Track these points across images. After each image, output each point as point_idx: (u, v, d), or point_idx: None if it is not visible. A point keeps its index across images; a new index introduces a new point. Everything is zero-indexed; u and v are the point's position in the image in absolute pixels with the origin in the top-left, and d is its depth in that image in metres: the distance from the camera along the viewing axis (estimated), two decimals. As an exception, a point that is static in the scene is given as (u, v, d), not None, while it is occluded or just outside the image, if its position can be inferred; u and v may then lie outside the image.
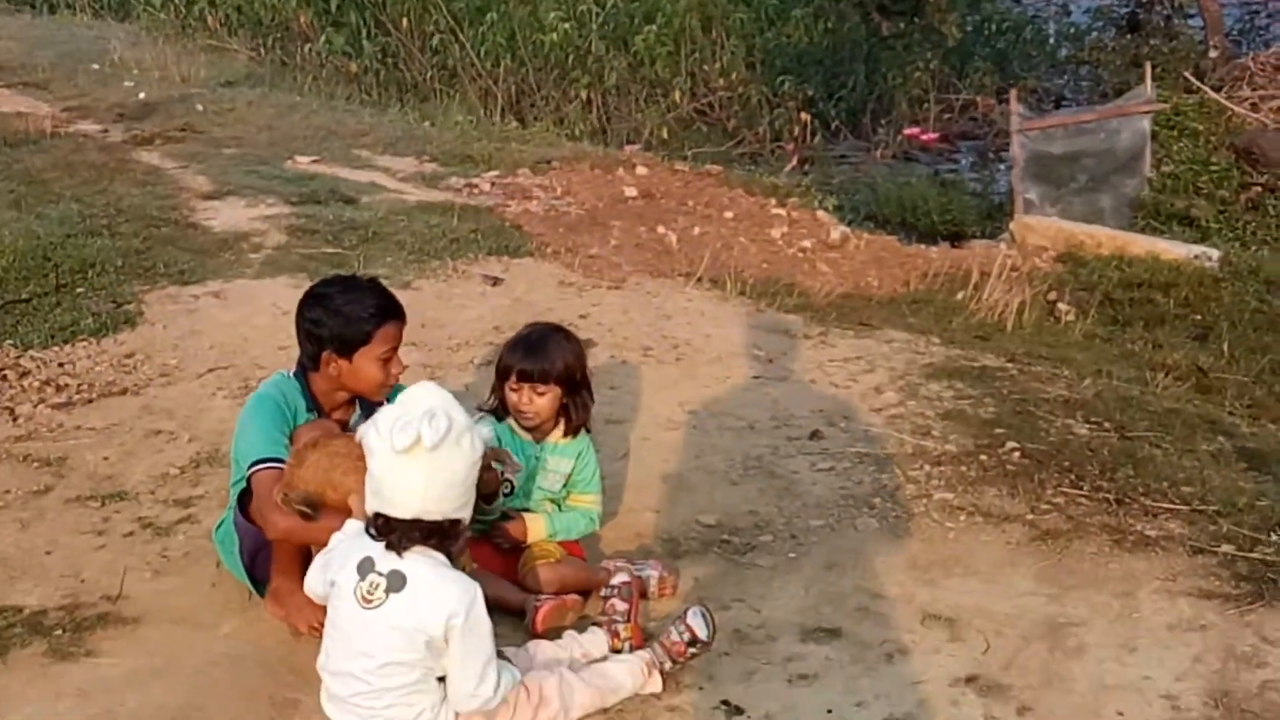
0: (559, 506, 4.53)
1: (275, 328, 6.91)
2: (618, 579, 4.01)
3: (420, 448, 3.26)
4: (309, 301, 4.10)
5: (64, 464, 5.42)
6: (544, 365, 4.34)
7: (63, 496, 5.12)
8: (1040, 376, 6.80)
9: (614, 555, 4.67)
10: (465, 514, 3.42)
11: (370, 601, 3.34)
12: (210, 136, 12.23)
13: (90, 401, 6.15)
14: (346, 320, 4.01)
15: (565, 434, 4.46)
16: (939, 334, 7.63)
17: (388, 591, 3.34)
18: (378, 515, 3.36)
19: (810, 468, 5.47)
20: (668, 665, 3.86)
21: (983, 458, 5.57)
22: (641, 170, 11.17)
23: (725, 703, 3.82)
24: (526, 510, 4.47)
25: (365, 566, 3.39)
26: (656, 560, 4.52)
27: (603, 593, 4.05)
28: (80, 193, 9.44)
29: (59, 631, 4.06)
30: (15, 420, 5.95)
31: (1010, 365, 6.98)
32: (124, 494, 5.11)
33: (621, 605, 3.96)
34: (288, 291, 7.42)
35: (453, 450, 3.30)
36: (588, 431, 4.55)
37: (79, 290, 7.59)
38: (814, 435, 5.79)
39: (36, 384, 6.36)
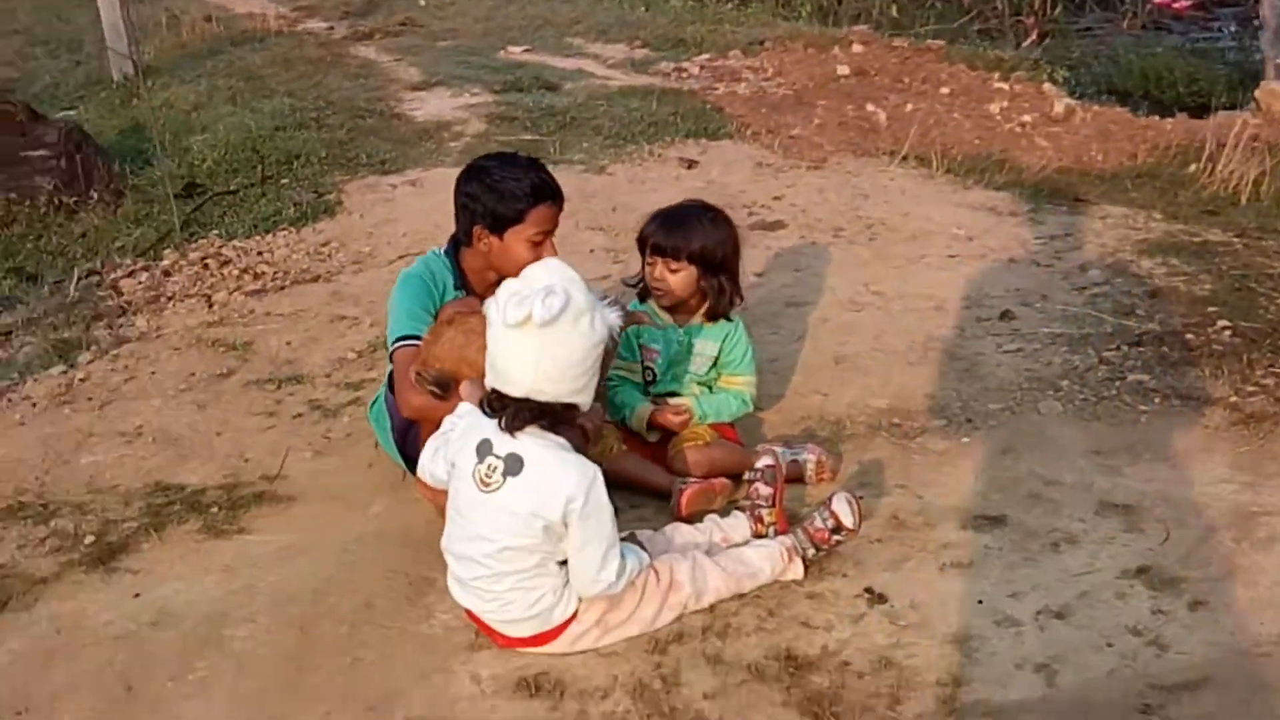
0: (710, 390, 4.37)
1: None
2: (762, 462, 3.85)
3: (531, 324, 3.14)
4: (467, 174, 4.02)
5: (249, 348, 5.53)
6: (678, 241, 4.17)
7: (243, 379, 5.22)
8: (1268, 251, 6.29)
9: (773, 439, 4.50)
10: (582, 399, 3.29)
11: (488, 485, 3.27)
12: (428, 30, 12.34)
13: (283, 289, 6.26)
14: (501, 196, 3.92)
15: (705, 317, 4.28)
16: (1162, 209, 7.14)
17: (505, 475, 3.26)
18: (493, 391, 3.27)
19: (996, 349, 5.17)
20: (810, 552, 3.69)
21: (1189, 337, 5.18)
22: (857, 48, 10.79)
23: (869, 590, 3.63)
24: (674, 394, 4.32)
25: (484, 449, 3.31)
26: (814, 444, 4.33)
27: (746, 476, 3.90)
28: (294, 87, 9.63)
29: (215, 509, 4.13)
30: (211, 307, 6.10)
31: (1237, 240, 6.47)
32: (300, 377, 5.18)
33: (765, 490, 3.80)
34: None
35: (568, 329, 3.18)
36: (728, 320, 4.35)
37: (284, 181, 7.75)
38: (1004, 315, 5.48)
39: (236, 272, 6.51)
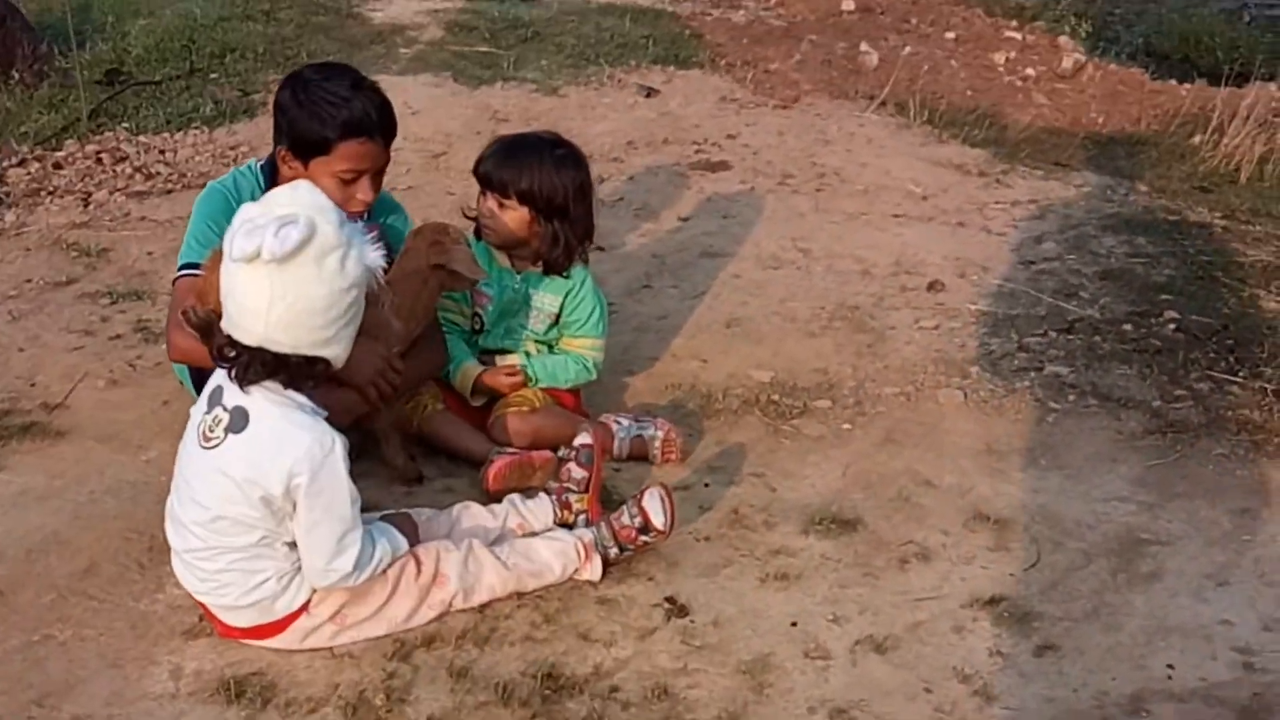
0: (550, 351, 3.86)
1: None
2: (580, 439, 3.34)
3: (261, 260, 2.63)
4: (285, 82, 3.48)
5: (104, 256, 5.07)
6: (509, 174, 3.63)
7: (80, 290, 4.76)
8: (1249, 237, 5.69)
9: (630, 409, 3.99)
10: (331, 352, 2.78)
11: (209, 440, 2.79)
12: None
13: (169, 192, 5.79)
14: (308, 119, 3.38)
15: (542, 270, 3.76)
16: (1150, 181, 6.53)
17: (227, 430, 2.77)
18: (226, 337, 2.77)
19: (911, 324, 4.64)
20: (614, 551, 3.20)
21: (1126, 327, 4.63)
22: (870, -17, 10.10)
23: (669, 600, 3.15)
24: (504, 351, 3.81)
25: (215, 397, 2.83)
26: (665, 419, 3.81)
27: (560, 453, 3.40)
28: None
29: (-29, 439, 3.67)
30: (86, 206, 5.65)
31: (1220, 222, 5.87)
32: (141, 293, 4.72)
33: (579, 472, 3.31)
34: (424, 90, 6.95)
35: (309, 269, 2.67)
36: (566, 275, 3.81)
37: (213, 75, 7.26)
38: (932, 286, 4.94)
39: (129, 170, 6.04)
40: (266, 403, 2.76)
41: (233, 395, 2.79)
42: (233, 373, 2.77)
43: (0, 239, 5.27)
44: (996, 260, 5.22)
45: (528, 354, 3.80)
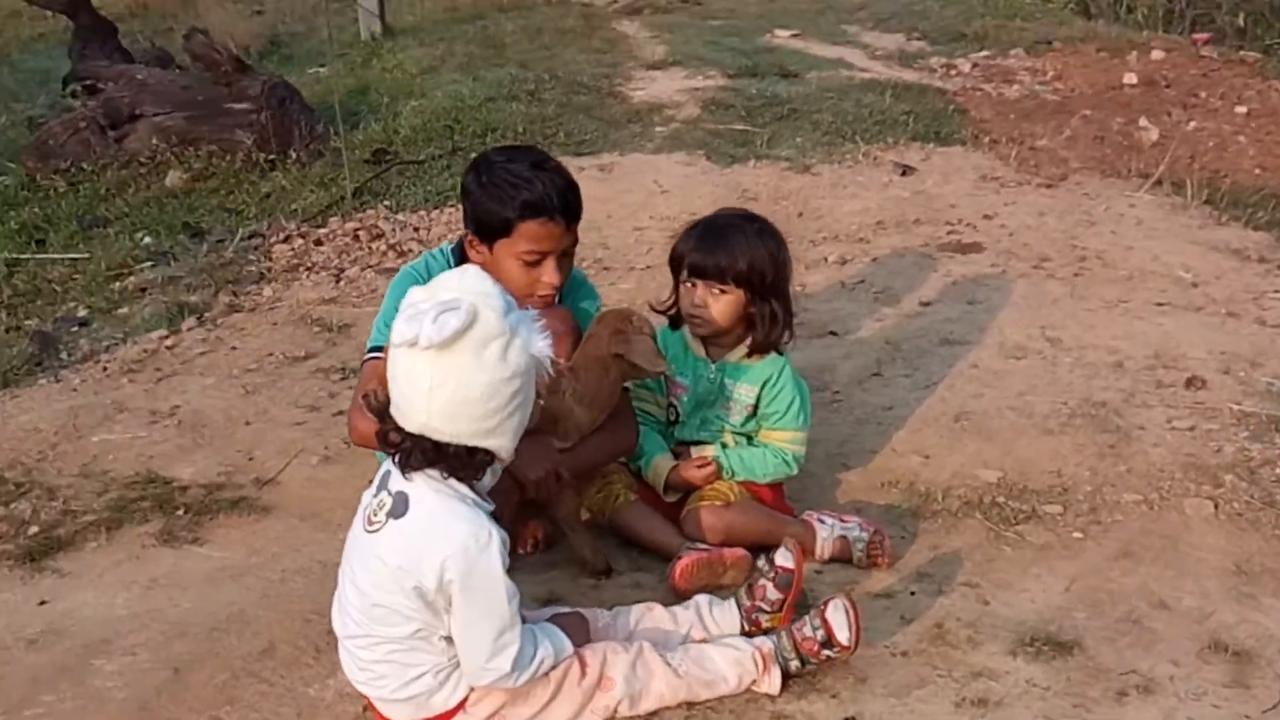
0: (750, 442, 3.69)
1: (643, 206, 6.41)
2: (781, 557, 3.14)
3: (419, 346, 2.57)
4: (471, 166, 3.47)
5: (345, 331, 5.18)
6: (723, 259, 3.50)
7: (316, 365, 4.87)
8: None
9: (838, 506, 3.80)
10: (495, 443, 2.69)
11: (373, 525, 2.74)
12: (707, 9, 11.84)
13: (416, 269, 5.84)
14: (490, 200, 3.35)
15: (750, 353, 3.61)
16: None
17: (389, 515, 2.71)
18: (392, 420, 2.72)
19: (1163, 424, 4.29)
20: (794, 664, 3.00)
21: None
22: (1157, 54, 9.63)
23: (851, 721, 2.91)
24: (700, 443, 3.67)
25: (383, 481, 2.78)
26: (872, 520, 3.60)
27: (759, 563, 3.22)
28: (529, 58, 9.30)
29: (182, 512, 3.77)
30: (337, 282, 5.81)
31: None
32: (371, 370, 4.75)
33: (774, 594, 3.11)
34: (675, 169, 6.92)
35: (468, 357, 2.58)
36: (779, 354, 3.66)
37: (473, 154, 7.32)
38: (1190, 382, 4.56)
39: (383, 248, 6.21)
40: (427, 490, 2.69)
41: (398, 480, 2.73)
42: (396, 458, 2.71)
43: (254, 314, 5.44)
44: (1268, 356, 4.79)
45: (724, 446, 3.64)
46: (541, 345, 2.68)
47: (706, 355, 3.64)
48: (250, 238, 6.53)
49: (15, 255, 6.55)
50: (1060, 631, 3.26)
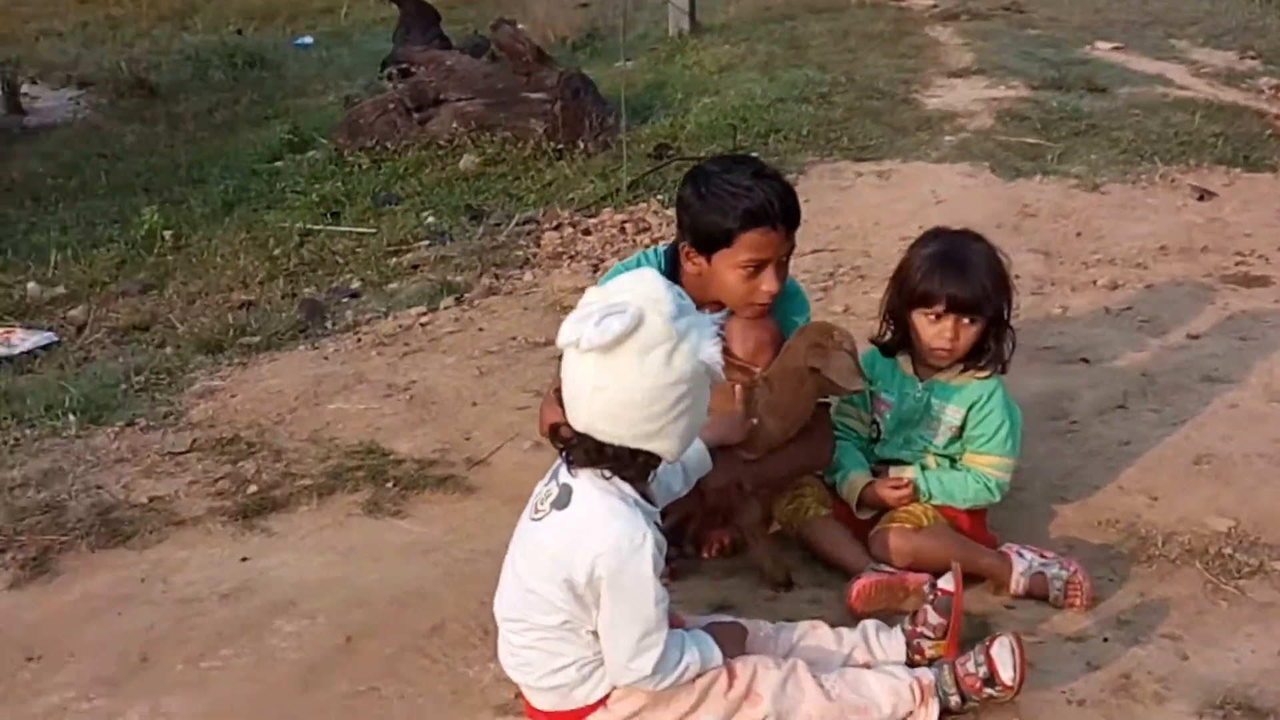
0: (953, 465, 3.56)
1: (914, 216, 6.27)
2: (943, 581, 3.03)
3: (580, 347, 2.59)
4: (688, 177, 3.47)
5: (590, 321, 5.23)
6: (978, 291, 3.38)
7: (553, 352, 4.89)
8: None
9: (1040, 542, 3.63)
10: (660, 446, 2.66)
11: (538, 513, 2.77)
12: (1027, 16, 11.50)
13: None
14: (709, 210, 3.33)
15: (971, 370, 3.48)
16: None
17: (553, 505, 2.74)
18: (564, 417, 2.75)
19: None
20: (955, 700, 2.88)
21: None
22: None
23: (1005, 769, 2.78)
24: (898, 461, 3.56)
25: (555, 472, 2.81)
26: (1075, 559, 3.43)
27: (925, 588, 3.12)
28: (829, 60, 9.24)
29: (392, 485, 3.89)
30: (595, 272, 5.90)
31: None
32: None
33: (935, 618, 3.00)
34: (955, 179, 6.77)
35: (630, 360, 2.58)
36: (1002, 373, 3.52)
37: (754, 154, 7.35)
38: None
39: (647, 241, 6.31)
40: (591, 486, 2.70)
41: (566, 473, 2.75)
42: (563, 454, 2.74)
43: (510, 297, 5.59)
44: None
45: (924, 467, 3.52)
46: (711, 351, 2.64)
47: (915, 373, 3.53)
48: (525, 223, 6.70)
49: (310, 226, 6.89)
50: (1259, 697, 3.02)
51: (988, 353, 3.48)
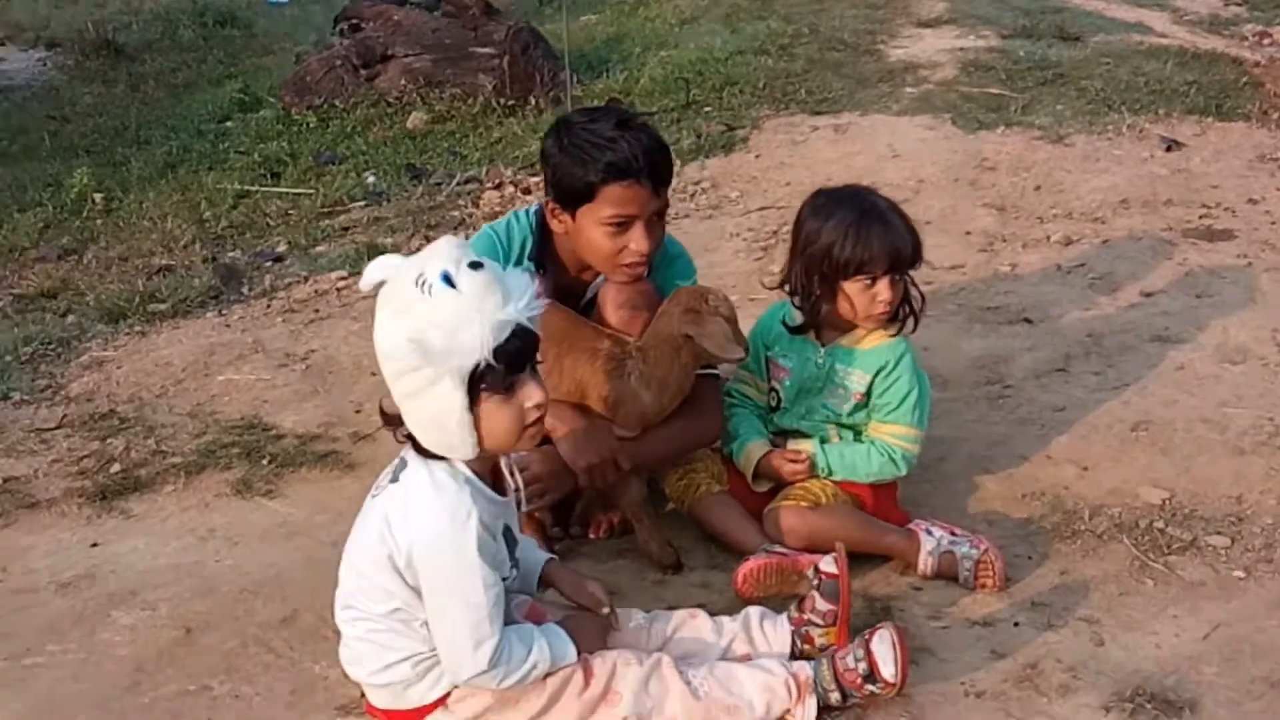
0: (857, 437, 3.30)
1: (868, 171, 6.00)
2: (825, 563, 2.79)
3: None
4: (551, 128, 3.20)
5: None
6: (912, 242, 3.15)
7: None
8: None
9: (956, 518, 3.38)
10: (409, 424, 2.41)
11: (377, 488, 2.53)
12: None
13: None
14: (570, 163, 3.06)
15: (879, 331, 3.21)
16: None
17: (390, 479, 2.50)
18: None
19: (1384, 457, 3.66)
20: (835, 696, 2.64)
21: None
22: None
23: (889, 768, 2.54)
24: (798, 433, 3.31)
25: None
26: (986, 537, 3.18)
27: (808, 571, 2.87)
28: (795, 11, 8.94)
29: (267, 462, 3.66)
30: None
31: None
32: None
33: (824, 605, 2.76)
34: (914, 132, 6.49)
35: (378, 321, 2.36)
36: (900, 339, 3.26)
37: (706, 109, 7.14)
38: None
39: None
40: (420, 460, 2.45)
41: (408, 446, 2.50)
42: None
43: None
44: None
45: (824, 439, 3.27)
46: (428, 331, 2.28)
47: (816, 338, 3.27)
48: (467, 183, 6.46)
49: (246, 187, 6.65)
50: (1177, 687, 2.78)
51: (905, 312, 3.21)
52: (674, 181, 5.82)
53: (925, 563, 3.14)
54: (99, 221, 6.34)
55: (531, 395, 2.42)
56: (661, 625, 2.78)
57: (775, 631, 2.79)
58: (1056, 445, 3.74)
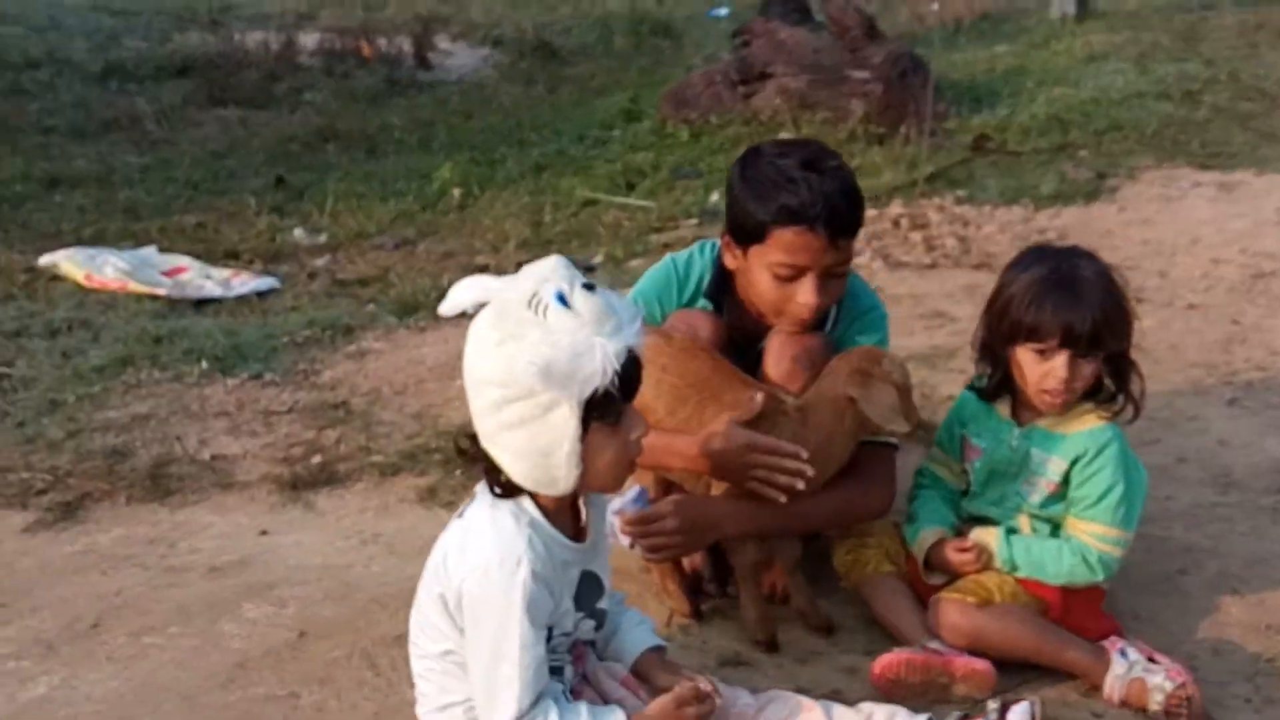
0: (1055, 531, 2.90)
1: (1242, 237, 5.53)
2: (1017, 713, 2.45)
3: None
4: (740, 156, 2.97)
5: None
6: (1100, 327, 2.72)
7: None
8: None
9: (1164, 640, 2.93)
10: (498, 456, 2.19)
11: (459, 514, 2.38)
12: None
13: (931, 268, 5.35)
14: (748, 197, 2.82)
15: (1086, 414, 2.81)
16: None
17: (459, 514, 2.36)
18: None
19: None
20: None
21: None
22: None
23: None
24: (983, 520, 2.94)
25: (491, 478, 2.42)
26: (1184, 668, 2.72)
27: (990, 703, 2.53)
28: (1220, 54, 8.28)
29: (460, 472, 3.55)
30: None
31: None
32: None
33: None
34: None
35: (472, 343, 2.17)
36: (1107, 424, 2.83)
37: (1082, 154, 6.65)
38: None
39: (917, 240, 5.76)
40: (486, 493, 2.29)
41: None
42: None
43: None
44: None
45: (1012, 530, 2.88)
46: (564, 362, 2.07)
47: (1013, 417, 2.89)
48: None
49: (594, 195, 6.69)
50: None
51: (1103, 394, 2.79)
52: (1015, 230, 5.46)
53: (1111, 686, 2.72)
54: (449, 216, 6.51)
55: (637, 427, 2.24)
56: (771, 714, 2.51)
57: (917, 749, 2.45)
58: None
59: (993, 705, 2.46)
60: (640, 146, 7.69)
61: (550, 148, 7.90)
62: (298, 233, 6.14)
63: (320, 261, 5.72)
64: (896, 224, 5.82)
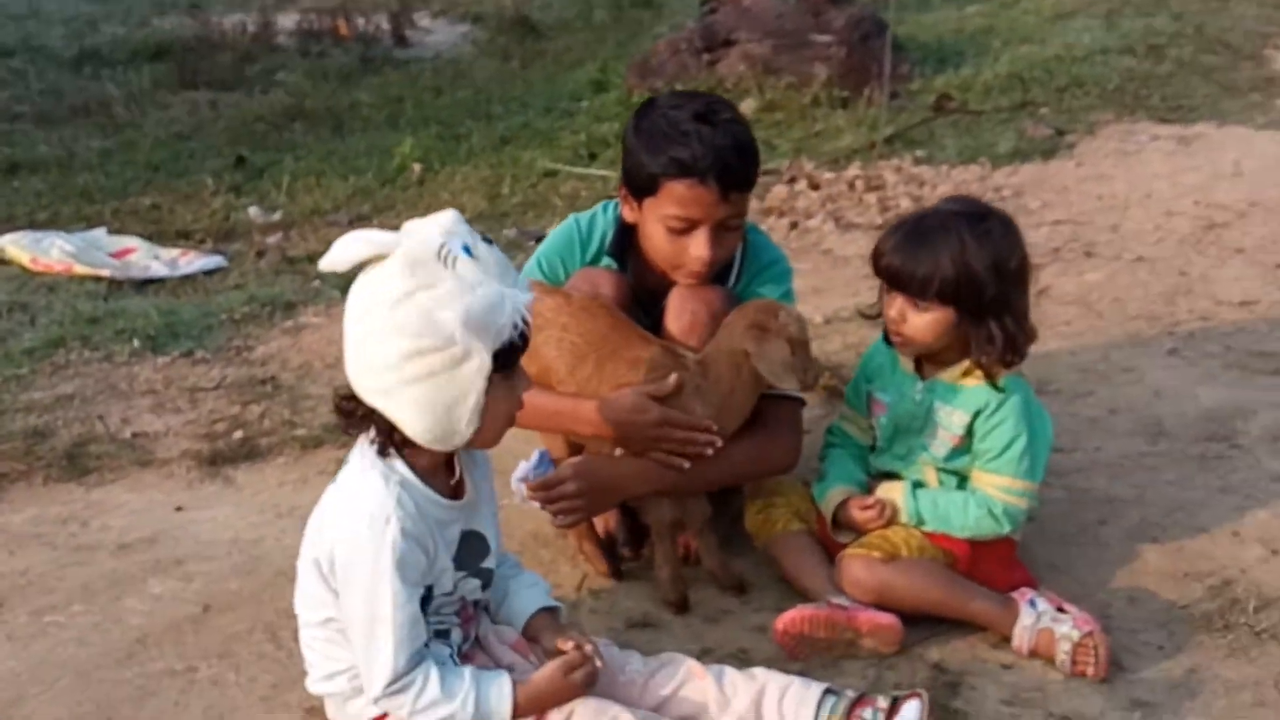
0: (962, 483, 2.86)
1: (1196, 190, 5.48)
2: (910, 710, 2.40)
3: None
4: (637, 109, 2.94)
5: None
6: (925, 268, 2.68)
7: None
8: None
9: (1078, 590, 2.90)
10: (394, 413, 2.14)
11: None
12: None
13: (877, 228, 5.27)
14: (641, 148, 2.79)
15: (969, 373, 2.78)
16: None
17: (335, 480, 2.33)
18: None
19: None
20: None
21: None
22: None
23: None
24: (891, 475, 2.90)
25: (364, 440, 2.38)
26: (1091, 617, 2.69)
27: (880, 702, 2.49)
28: (1191, 8, 8.15)
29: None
30: (792, 230, 5.36)
31: None
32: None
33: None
34: (1271, 149, 5.78)
35: (361, 297, 2.12)
36: (1013, 375, 2.78)
37: (1042, 111, 6.60)
38: None
39: (872, 200, 5.74)
40: (359, 453, 2.28)
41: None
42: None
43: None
44: None
45: (918, 484, 2.85)
46: (471, 314, 2.04)
47: (916, 371, 2.86)
48: (763, 175, 6.18)
49: (554, 166, 6.65)
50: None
51: (988, 352, 2.74)
52: (973, 188, 5.41)
53: (1020, 637, 2.71)
54: (408, 192, 6.46)
55: (524, 382, 2.24)
56: (661, 680, 2.47)
57: (799, 708, 2.41)
58: (1251, 521, 3.15)
59: (882, 701, 2.40)
60: (606, 117, 7.63)
61: (516, 120, 7.85)
62: (252, 211, 6.10)
63: (272, 239, 5.67)
64: (852, 186, 5.78)
